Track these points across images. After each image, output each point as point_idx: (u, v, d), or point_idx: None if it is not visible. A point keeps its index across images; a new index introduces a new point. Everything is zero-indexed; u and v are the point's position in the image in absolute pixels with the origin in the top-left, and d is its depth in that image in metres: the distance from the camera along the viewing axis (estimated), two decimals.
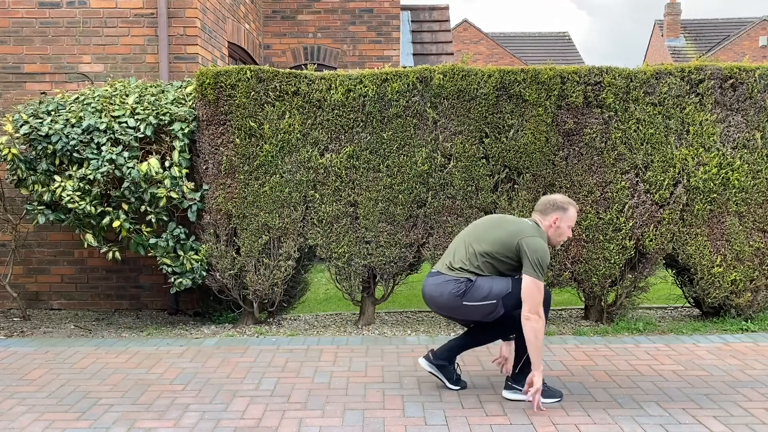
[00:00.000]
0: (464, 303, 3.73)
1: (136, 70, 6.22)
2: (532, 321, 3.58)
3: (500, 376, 4.21)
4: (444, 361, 3.97)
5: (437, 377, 3.98)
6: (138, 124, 5.09)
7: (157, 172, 4.99)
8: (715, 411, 3.62)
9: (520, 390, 3.76)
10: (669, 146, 5.33)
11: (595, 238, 5.32)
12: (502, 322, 3.83)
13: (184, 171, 5.15)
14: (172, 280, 5.26)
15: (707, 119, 5.35)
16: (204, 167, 5.31)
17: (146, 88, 5.45)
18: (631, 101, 5.31)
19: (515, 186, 5.33)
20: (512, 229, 3.72)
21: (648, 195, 5.32)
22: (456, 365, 4.01)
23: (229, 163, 5.26)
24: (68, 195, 4.95)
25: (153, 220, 5.14)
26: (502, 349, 4.09)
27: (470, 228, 3.96)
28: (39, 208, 5.18)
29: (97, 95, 5.30)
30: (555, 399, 3.76)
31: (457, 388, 3.95)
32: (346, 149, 5.26)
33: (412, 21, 11.20)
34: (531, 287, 3.58)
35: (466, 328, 4.08)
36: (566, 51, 31.42)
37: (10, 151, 5.07)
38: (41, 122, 5.05)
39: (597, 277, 5.35)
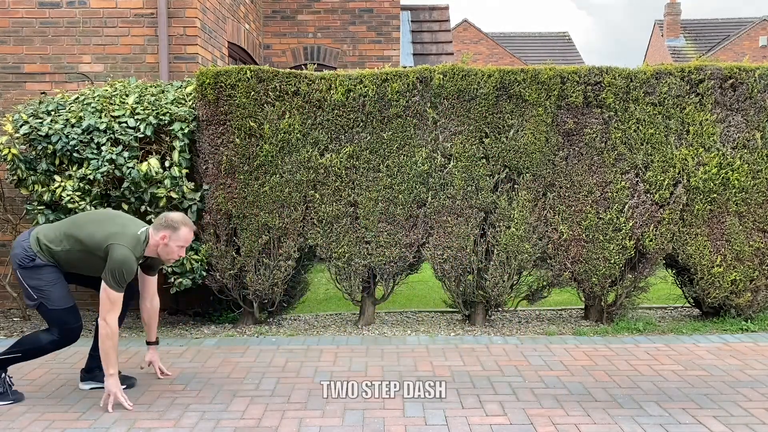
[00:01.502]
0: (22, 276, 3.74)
1: (136, 70, 6.22)
2: (101, 327, 3.63)
3: (501, 376, 4.21)
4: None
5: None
6: (138, 124, 5.09)
7: (157, 172, 4.98)
8: (715, 411, 3.62)
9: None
10: (669, 146, 5.33)
11: (595, 238, 5.32)
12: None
13: (184, 171, 5.15)
14: (172, 280, 5.26)
15: (707, 119, 5.35)
16: (204, 167, 5.31)
17: (146, 88, 5.44)
18: (631, 101, 5.31)
19: (515, 186, 5.33)
20: (111, 231, 3.67)
21: (648, 195, 5.32)
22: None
23: (229, 163, 5.26)
24: (68, 195, 4.95)
25: (153, 220, 5.14)
26: (147, 354, 4.19)
27: (80, 216, 3.93)
28: (39, 208, 5.18)
29: (97, 95, 5.30)
30: (6, 402, 3.79)
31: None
32: (346, 149, 5.26)
33: (412, 21, 11.19)
34: (103, 294, 3.62)
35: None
36: (566, 51, 31.42)
37: (10, 151, 5.07)
38: (41, 122, 5.05)
39: (597, 277, 5.35)
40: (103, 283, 3.62)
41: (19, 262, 3.72)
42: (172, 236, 3.74)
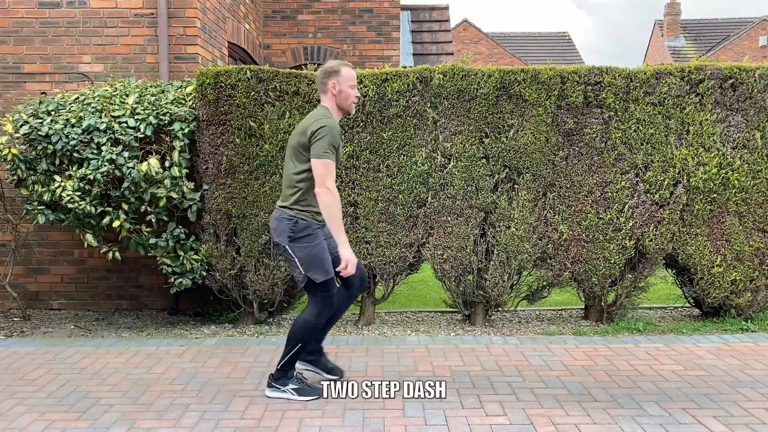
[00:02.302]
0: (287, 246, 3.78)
1: (136, 70, 6.22)
2: (322, 195, 3.60)
3: (501, 376, 4.21)
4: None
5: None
6: (138, 124, 5.09)
7: (157, 172, 4.99)
8: (715, 411, 3.62)
9: (279, 388, 3.83)
10: (669, 146, 5.33)
11: (595, 238, 5.32)
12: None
13: (184, 171, 5.15)
14: (172, 280, 5.26)
15: (707, 119, 5.35)
16: (204, 167, 5.31)
17: (146, 88, 5.44)
18: (631, 101, 5.31)
19: (515, 186, 5.33)
20: (305, 124, 3.70)
21: (648, 195, 5.33)
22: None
23: (229, 163, 5.26)
24: (68, 195, 4.95)
25: (153, 220, 5.14)
26: None
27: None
28: (39, 208, 5.18)
29: (97, 95, 5.30)
30: (312, 397, 3.82)
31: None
32: (346, 149, 5.26)
33: (412, 21, 11.20)
34: (316, 165, 3.60)
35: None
36: (566, 51, 31.42)
37: (10, 151, 5.07)
38: (41, 122, 5.05)
39: (597, 277, 5.35)
40: (313, 160, 3.60)
41: (288, 234, 3.71)
42: (339, 80, 3.76)
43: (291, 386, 3.83)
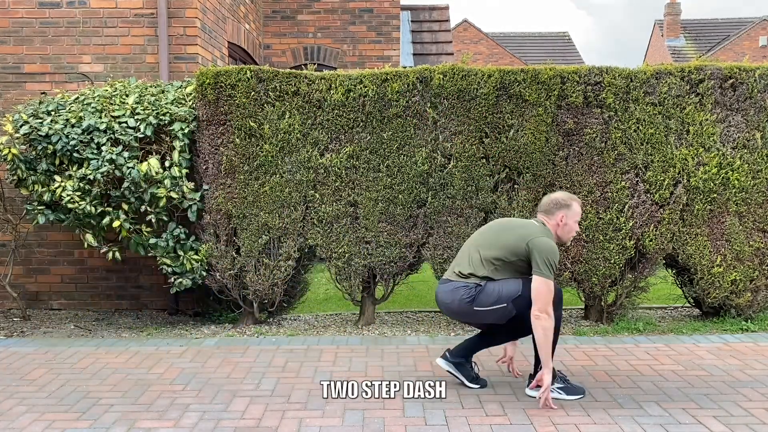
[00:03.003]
0: (475, 308, 3.78)
1: (136, 70, 6.22)
2: (542, 320, 3.62)
3: (501, 376, 4.21)
4: (461, 359, 4.02)
5: (455, 376, 4.01)
6: (138, 124, 5.09)
7: (157, 172, 4.99)
8: (715, 411, 3.62)
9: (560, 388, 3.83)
10: (669, 146, 5.33)
11: (595, 238, 5.32)
12: (515, 323, 3.87)
13: (184, 171, 5.15)
14: (172, 280, 5.26)
15: (707, 119, 5.35)
16: (204, 167, 5.31)
17: (146, 88, 5.45)
18: (631, 101, 5.31)
19: (515, 186, 5.33)
20: (521, 233, 3.75)
21: (648, 195, 5.32)
22: (473, 364, 4.04)
23: (229, 163, 5.26)
24: (68, 195, 4.95)
25: (153, 220, 5.14)
26: (507, 350, 4.17)
27: (477, 235, 3.99)
28: (39, 208, 5.18)
29: (97, 95, 5.30)
30: (578, 396, 3.80)
31: (477, 386, 3.97)
32: (346, 149, 5.26)
33: (412, 21, 11.20)
34: (541, 287, 3.62)
35: (480, 329, 4.11)
36: (566, 51, 31.43)
37: (10, 151, 5.07)
38: (41, 122, 5.05)
39: (597, 277, 5.35)
40: (536, 278, 3.61)
41: (467, 300, 3.76)
42: (569, 214, 3.83)
43: (556, 385, 3.83)
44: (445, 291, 3.88)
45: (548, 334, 3.63)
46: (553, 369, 3.78)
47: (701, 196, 5.35)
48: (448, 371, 4.03)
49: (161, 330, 5.48)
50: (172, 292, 5.40)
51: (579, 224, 3.94)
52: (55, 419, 3.57)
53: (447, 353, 4.06)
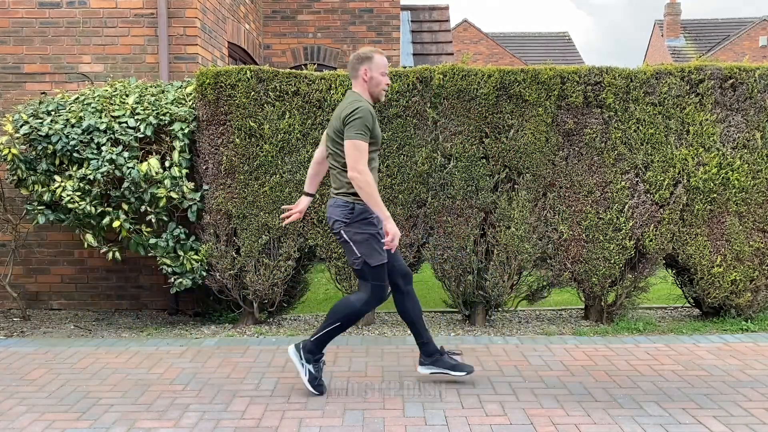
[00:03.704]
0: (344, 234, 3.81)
1: (136, 70, 6.22)
2: (356, 180, 3.61)
3: (501, 376, 4.21)
4: (431, 355, 4.03)
5: (441, 373, 4.04)
6: (138, 124, 5.09)
7: (157, 172, 4.99)
8: (715, 411, 3.62)
9: (302, 358, 3.86)
10: (669, 146, 5.33)
11: (595, 238, 5.32)
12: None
13: (184, 171, 5.15)
14: (172, 280, 5.26)
15: (707, 119, 5.35)
16: (204, 167, 5.31)
17: (146, 88, 5.45)
18: (631, 101, 5.31)
19: (515, 186, 5.33)
20: (338, 111, 3.74)
21: (648, 195, 5.33)
22: (447, 352, 4.04)
23: (229, 163, 5.26)
24: (68, 195, 4.95)
25: (153, 220, 5.14)
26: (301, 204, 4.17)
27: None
28: (39, 208, 5.18)
29: (97, 95, 5.30)
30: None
31: (462, 373, 3.99)
32: None
33: (412, 21, 11.20)
34: (348, 148, 3.62)
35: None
36: (566, 51, 31.43)
37: (10, 151, 5.07)
38: (41, 122, 5.05)
39: (597, 277, 5.35)
40: (346, 142, 3.62)
41: (343, 220, 3.73)
42: (371, 66, 3.82)
43: (310, 368, 3.85)
44: (328, 209, 3.86)
45: (369, 189, 3.59)
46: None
47: (701, 196, 5.36)
48: (432, 374, 4.05)
49: (161, 330, 5.48)
50: (172, 292, 5.40)
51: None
52: (55, 419, 3.57)
53: (420, 359, 4.07)
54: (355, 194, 3.74)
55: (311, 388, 3.85)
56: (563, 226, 5.32)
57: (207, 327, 5.57)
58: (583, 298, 5.69)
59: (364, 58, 3.83)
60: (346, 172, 3.71)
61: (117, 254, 5.36)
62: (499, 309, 5.61)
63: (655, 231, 5.33)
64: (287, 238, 5.31)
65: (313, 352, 3.88)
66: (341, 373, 4.28)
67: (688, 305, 6.10)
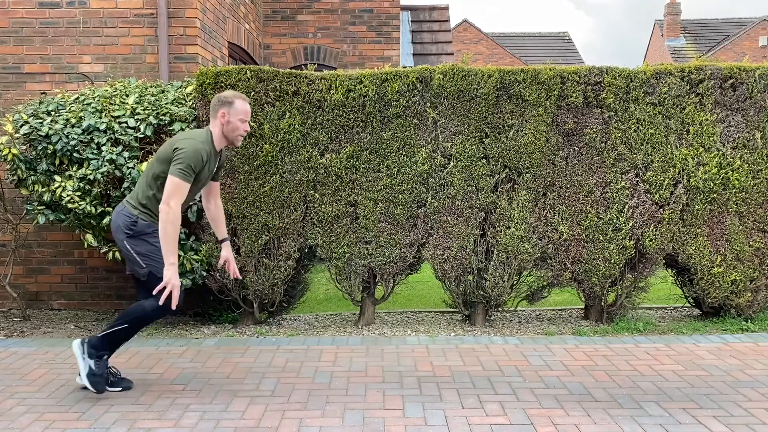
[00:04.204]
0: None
1: (136, 70, 6.22)
2: (162, 212, 3.60)
3: (501, 376, 4.21)
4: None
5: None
6: (138, 124, 5.09)
7: None
8: (715, 411, 3.62)
9: (84, 353, 3.85)
10: (669, 146, 5.33)
11: (595, 238, 5.32)
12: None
13: None
14: None
15: (707, 119, 5.35)
16: None
17: (146, 89, 5.45)
18: (631, 101, 5.31)
19: (515, 186, 5.33)
20: (174, 140, 3.74)
21: (648, 195, 5.33)
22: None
23: (229, 163, 5.25)
24: (68, 195, 4.95)
25: None
26: (222, 253, 4.17)
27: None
28: (39, 208, 5.18)
29: (97, 95, 5.30)
30: (93, 388, 3.86)
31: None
32: (346, 149, 5.26)
33: (412, 21, 11.20)
34: (168, 184, 3.62)
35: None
36: (566, 51, 31.43)
37: (10, 151, 5.07)
38: (41, 122, 5.05)
39: (597, 277, 5.35)
40: (169, 176, 3.62)
41: (126, 231, 3.74)
42: (231, 111, 3.79)
43: (92, 364, 3.83)
44: (114, 215, 3.83)
45: (168, 227, 3.57)
46: (107, 353, 3.88)
47: (701, 196, 5.36)
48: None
49: (161, 330, 5.48)
50: None
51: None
52: (55, 419, 3.57)
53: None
54: (145, 208, 3.75)
55: (88, 384, 3.83)
56: (563, 226, 5.32)
57: (207, 327, 5.57)
58: (583, 298, 5.69)
59: (225, 102, 3.80)
60: (155, 190, 3.73)
61: (117, 254, 5.35)
62: (499, 309, 5.61)
63: (655, 231, 5.33)
64: (287, 238, 5.31)
65: (96, 347, 3.86)
66: (341, 373, 4.28)
67: (688, 305, 6.10)
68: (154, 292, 3.67)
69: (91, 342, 3.89)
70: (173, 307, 3.67)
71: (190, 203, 5.19)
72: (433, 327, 5.53)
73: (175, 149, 3.68)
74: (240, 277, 4.25)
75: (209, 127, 3.86)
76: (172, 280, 3.61)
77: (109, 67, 6.23)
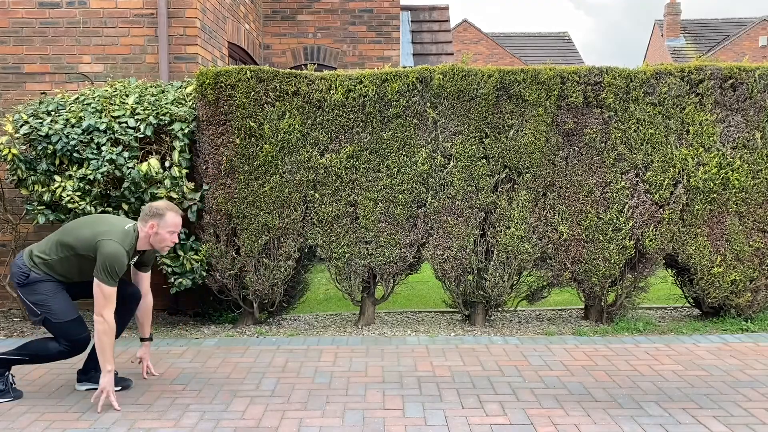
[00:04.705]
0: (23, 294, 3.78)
1: (136, 70, 6.22)
2: (97, 323, 3.63)
3: (501, 376, 4.21)
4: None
5: None
6: (138, 124, 5.09)
7: (157, 172, 4.98)
8: (715, 411, 3.62)
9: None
10: (669, 146, 5.33)
11: (595, 238, 5.32)
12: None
13: (184, 171, 5.15)
14: (172, 280, 5.25)
15: (707, 119, 5.35)
16: (204, 167, 5.31)
17: (146, 89, 5.44)
18: (631, 101, 5.31)
19: (515, 186, 5.33)
20: (99, 230, 3.71)
21: (648, 195, 5.33)
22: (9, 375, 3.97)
23: (229, 163, 5.25)
24: (68, 195, 4.95)
25: None
26: (138, 352, 4.19)
27: (69, 224, 3.91)
28: (39, 208, 5.18)
29: (97, 95, 5.30)
30: (6, 399, 3.84)
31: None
32: (346, 149, 5.26)
33: (412, 21, 11.19)
34: (96, 291, 3.63)
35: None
36: (566, 51, 31.42)
37: (10, 151, 5.07)
38: (41, 122, 5.05)
39: (597, 277, 5.35)
40: (95, 280, 3.62)
41: (17, 281, 3.76)
42: (161, 223, 3.77)
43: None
44: (12, 264, 3.82)
45: (102, 338, 3.62)
46: (6, 370, 3.88)
47: (701, 196, 5.36)
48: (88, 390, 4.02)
49: (161, 330, 5.48)
50: (172, 292, 5.39)
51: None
52: (55, 419, 3.57)
53: None
54: (39, 266, 3.73)
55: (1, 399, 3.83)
56: (563, 226, 5.32)
57: (207, 327, 5.57)
58: (583, 298, 5.69)
59: (156, 214, 3.78)
60: (53, 255, 3.72)
61: None
62: (499, 309, 5.61)
63: (655, 231, 5.33)
64: (287, 238, 5.31)
65: None
66: (341, 373, 4.28)
67: (688, 305, 6.10)
68: (92, 400, 3.71)
69: None
70: (112, 401, 3.68)
71: (190, 203, 5.19)
72: (433, 327, 5.53)
73: (98, 242, 3.64)
74: (155, 374, 4.21)
75: (137, 225, 3.81)
76: (107, 388, 3.65)
77: (109, 67, 6.23)
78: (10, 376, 3.92)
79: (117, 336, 3.92)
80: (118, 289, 3.76)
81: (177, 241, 3.89)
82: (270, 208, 5.26)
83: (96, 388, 3.84)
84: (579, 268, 5.37)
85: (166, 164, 5.12)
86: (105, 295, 3.63)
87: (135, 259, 3.97)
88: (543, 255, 5.42)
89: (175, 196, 5.09)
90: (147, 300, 4.11)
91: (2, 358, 3.88)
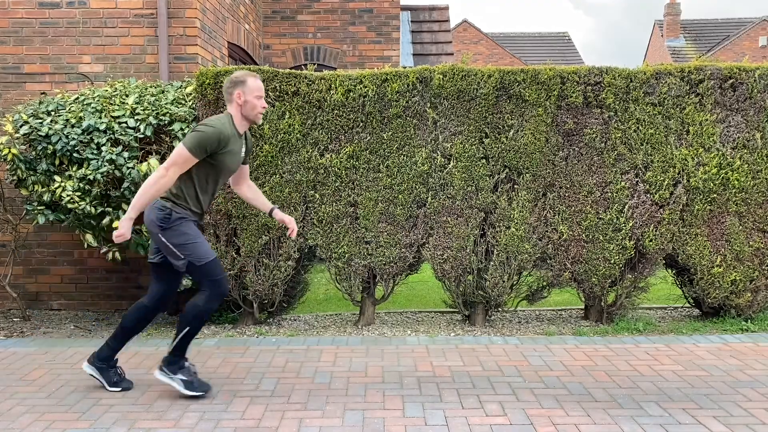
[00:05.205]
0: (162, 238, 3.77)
1: (136, 70, 6.22)
2: (156, 172, 3.64)
3: (501, 376, 4.21)
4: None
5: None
6: (138, 124, 5.09)
7: None
8: (715, 411, 3.62)
9: (169, 374, 3.87)
10: (669, 146, 5.33)
11: (595, 238, 5.32)
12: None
13: None
14: None
15: (707, 119, 5.35)
16: None
17: (146, 89, 5.45)
18: (631, 101, 5.31)
19: (515, 186, 5.33)
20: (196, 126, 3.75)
21: (648, 195, 5.33)
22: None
23: None
24: (68, 195, 4.95)
25: None
26: (277, 218, 4.13)
27: None
28: (39, 208, 5.18)
29: (97, 95, 5.30)
30: (200, 392, 3.85)
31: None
32: (346, 149, 5.26)
33: (412, 21, 11.20)
34: (175, 150, 3.65)
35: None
36: (566, 51, 31.43)
37: (10, 152, 5.07)
38: (41, 122, 5.05)
39: (597, 277, 5.35)
40: (178, 144, 3.60)
41: (159, 224, 3.71)
42: (245, 90, 3.78)
43: (180, 377, 3.85)
44: (146, 212, 3.80)
45: (150, 188, 3.59)
46: (183, 359, 3.87)
47: (701, 196, 5.36)
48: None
49: (161, 330, 5.48)
50: None
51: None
52: (55, 419, 3.57)
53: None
54: (178, 198, 3.75)
55: (194, 393, 3.83)
56: (563, 227, 5.32)
57: (207, 327, 5.57)
58: (583, 298, 5.69)
59: (237, 82, 3.79)
60: (193, 169, 3.72)
61: (117, 254, 5.36)
62: (499, 309, 5.61)
63: (655, 231, 5.33)
64: (287, 239, 5.31)
65: (173, 362, 3.88)
66: (341, 373, 4.28)
67: (688, 305, 6.10)
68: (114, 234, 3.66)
69: (167, 361, 3.89)
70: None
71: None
72: (432, 327, 5.53)
73: (195, 126, 3.73)
74: (294, 236, 4.18)
75: (228, 110, 3.84)
76: (122, 231, 3.62)
77: (108, 68, 6.23)
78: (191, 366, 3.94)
79: (145, 325, 3.99)
80: (163, 290, 3.85)
81: (266, 106, 3.87)
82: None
83: (99, 381, 3.96)
84: (579, 268, 5.37)
85: None
86: (180, 155, 3.62)
87: (243, 150, 3.92)
88: (543, 255, 5.42)
89: None
90: (250, 184, 4.16)
91: (175, 347, 3.84)
